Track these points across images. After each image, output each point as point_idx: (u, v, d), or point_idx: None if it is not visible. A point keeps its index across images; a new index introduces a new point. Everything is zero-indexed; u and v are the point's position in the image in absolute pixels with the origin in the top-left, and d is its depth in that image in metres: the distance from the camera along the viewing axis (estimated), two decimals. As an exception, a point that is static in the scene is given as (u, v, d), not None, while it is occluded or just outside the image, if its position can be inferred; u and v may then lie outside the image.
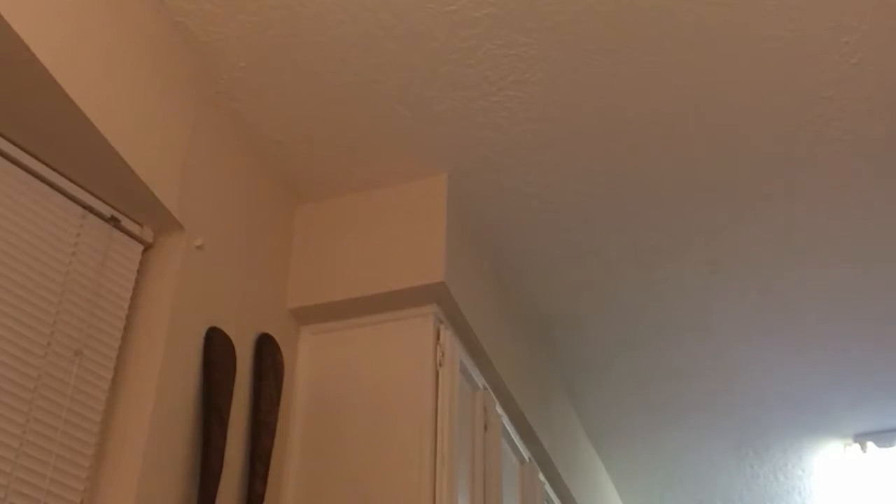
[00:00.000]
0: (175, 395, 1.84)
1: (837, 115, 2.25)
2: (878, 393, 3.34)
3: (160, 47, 2.00)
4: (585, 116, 2.27)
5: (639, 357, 3.18)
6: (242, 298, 2.16)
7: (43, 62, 1.60)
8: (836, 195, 2.49)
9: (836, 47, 2.08)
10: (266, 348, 2.18)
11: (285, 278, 2.39)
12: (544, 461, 2.98)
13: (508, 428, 2.70)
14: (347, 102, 2.24)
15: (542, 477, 2.95)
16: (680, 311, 2.97)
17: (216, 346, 1.97)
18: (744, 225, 2.61)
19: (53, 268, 1.72)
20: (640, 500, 4.18)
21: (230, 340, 2.02)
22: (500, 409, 2.63)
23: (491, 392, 2.58)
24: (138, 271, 1.90)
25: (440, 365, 2.24)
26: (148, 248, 1.94)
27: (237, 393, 2.02)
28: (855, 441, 3.61)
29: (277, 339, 2.23)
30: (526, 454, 2.84)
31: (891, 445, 3.58)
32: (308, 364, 2.34)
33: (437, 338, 2.28)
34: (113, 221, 1.87)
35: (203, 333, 1.97)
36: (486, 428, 2.47)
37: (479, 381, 2.52)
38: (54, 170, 1.77)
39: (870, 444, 3.59)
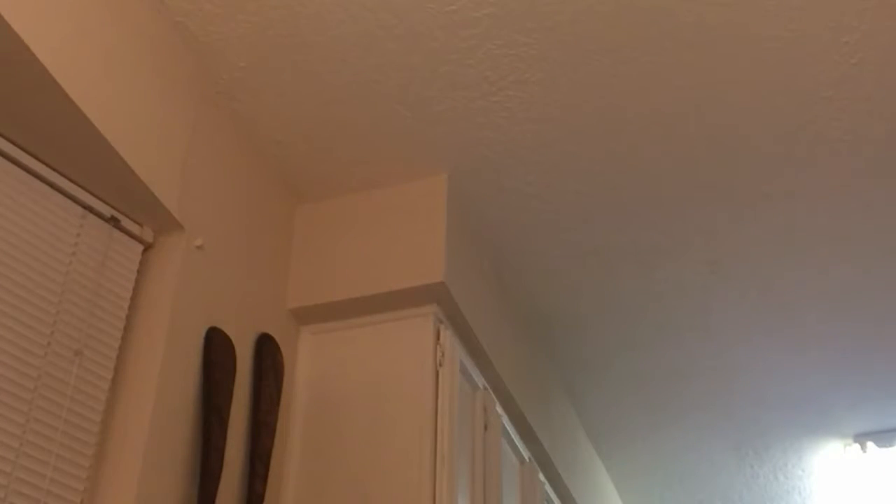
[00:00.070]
0: (175, 395, 1.84)
1: (837, 115, 2.25)
2: (878, 393, 3.34)
3: (160, 47, 2.00)
4: (585, 116, 2.27)
5: (639, 357, 3.18)
6: (242, 298, 2.16)
7: (43, 62, 1.60)
8: (836, 195, 2.49)
9: (836, 47, 2.08)
10: (266, 348, 2.18)
11: (285, 278, 2.39)
12: (544, 461, 2.98)
13: (508, 428, 2.70)
14: (347, 102, 2.24)
15: (542, 477, 2.95)
16: (680, 311, 2.96)
17: (216, 346, 1.97)
18: (744, 225, 2.61)
19: (53, 268, 1.72)
20: (640, 500, 4.18)
21: (230, 340, 2.02)
22: (500, 409, 2.63)
23: (491, 392, 2.58)
24: (138, 271, 1.90)
25: (440, 365, 2.24)
26: (148, 248, 1.94)
27: (237, 393, 2.02)
28: (855, 441, 3.61)
29: (277, 339, 2.23)
30: (526, 454, 2.84)
31: (891, 445, 3.58)
32: (308, 364, 2.34)
33: (437, 338, 2.28)
34: (113, 221, 1.87)
35: (203, 333, 1.97)
36: (486, 428, 2.47)
37: (479, 381, 2.52)
38: (54, 170, 1.77)
39: (870, 444, 3.59)
